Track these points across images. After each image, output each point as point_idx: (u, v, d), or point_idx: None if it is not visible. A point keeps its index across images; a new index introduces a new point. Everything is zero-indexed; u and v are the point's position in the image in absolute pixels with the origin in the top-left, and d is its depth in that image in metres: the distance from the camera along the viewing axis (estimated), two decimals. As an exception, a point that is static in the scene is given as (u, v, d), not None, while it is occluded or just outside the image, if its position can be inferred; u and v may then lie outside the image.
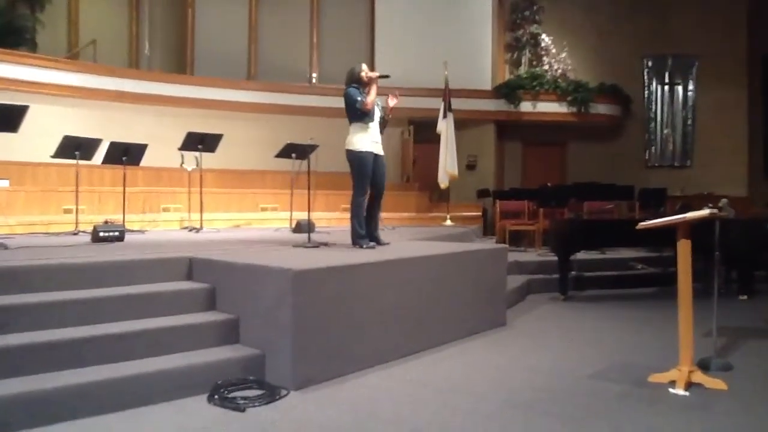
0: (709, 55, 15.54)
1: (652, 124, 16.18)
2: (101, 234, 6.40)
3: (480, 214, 13.15)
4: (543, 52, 15.85)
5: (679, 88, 16.08)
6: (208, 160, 9.07)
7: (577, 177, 14.45)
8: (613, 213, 10.49)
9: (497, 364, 4.68)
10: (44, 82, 10.73)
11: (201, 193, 8.80)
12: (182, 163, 9.02)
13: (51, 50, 11.80)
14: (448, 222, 11.36)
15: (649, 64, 16.11)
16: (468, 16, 15.27)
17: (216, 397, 3.68)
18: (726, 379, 4.06)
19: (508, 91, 15.00)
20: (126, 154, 8.20)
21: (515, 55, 15.88)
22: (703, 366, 4.32)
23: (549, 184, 12.72)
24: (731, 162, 15.37)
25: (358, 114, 5.67)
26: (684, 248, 4.10)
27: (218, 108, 12.53)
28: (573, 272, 8.06)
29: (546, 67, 15.71)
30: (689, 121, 16.02)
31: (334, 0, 14.79)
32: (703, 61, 15.75)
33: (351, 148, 5.70)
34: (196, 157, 8.86)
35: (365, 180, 5.73)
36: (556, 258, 7.69)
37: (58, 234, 7.49)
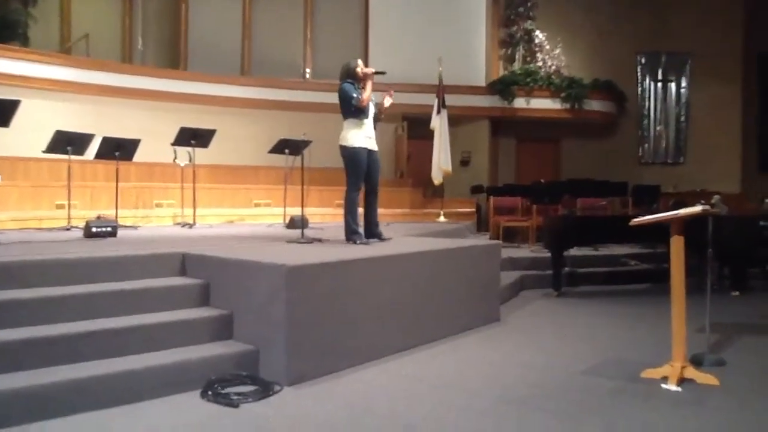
0: (704, 53, 15.56)
1: (646, 121, 16.22)
2: (94, 230, 6.37)
3: (474, 210, 13.14)
4: (537, 49, 15.82)
5: (672, 85, 16.12)
6: (201, 155, 9.03)
7: (571, 173, 14.47)
8: (606, 209, 10.52)
9: (491, 360, 4.69)
10: (36, 77, 10.65)
11: (194, 188, 8.76)
12: (175, 158, 8.98)
13: (43, 45, 11.73)
14: (442, 218, 11.36)
15: (643, 60, 16.14)
16: (462, 11, 15.24)
17: (209, 392, 3.67)
18: (719, 375, 4.08)
19: (502, 87, 14.98)
20: (119, 149, 8.16)
21: (509, 52, 15.85)
22: (696, 362, 4.34)
23: (542, 181, 12.72)
24: (725, 159, 15.43)
25: (352, 110, 5.64)
26: (677, 245, 4.12)
27: (211, 103, 12.47)
28: (566, 268, 8.08)
29: (540, 63, 15.68)
30: (682, 118, 16.07)
31: (329, -5, 14.76)
32: (697, 58, 15.78)
33: (345, 143, 5.68)
34: (189, 153, 8.82)
35: (359, 176, 5.71)
36: (549, 254, 7.70)
37: (50, 229, 7.44)
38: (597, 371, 4.38)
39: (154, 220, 9.26)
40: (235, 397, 3.62)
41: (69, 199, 7.92)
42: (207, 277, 4.57)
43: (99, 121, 10.42)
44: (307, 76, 14.40)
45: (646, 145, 16.21)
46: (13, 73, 10.34)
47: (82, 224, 6.81)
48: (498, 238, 9.53)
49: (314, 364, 4.10)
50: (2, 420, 3.14)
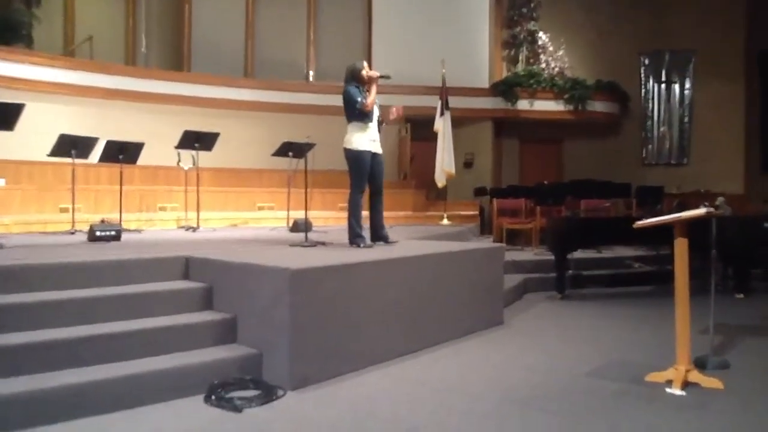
0: (706, 52, 15.51)
1: (649, 122, 16.18)
2: (98, 233, 6.39)
3: (477, 212, 13.13)
4: (540, 50, 15.82)
5: (676, 86, 16.07)
6: (205, 158, 9.04)
7: (574, 175, 14.42)
8: (610, 211, 10.50)
9: (494, 363, 4.69)
10: (40, 80, 10.68)
11: (198, 191, 8.78)
12: (179, 161, 9.00)
13: (47, 47, 11.75)
14: (445, 221, 11.35)
15: (646, 61, 16.11)
16: (465, 13, 15.24)
17: (213, 397, 3.68)
18: (723, 378, 4.07)
19: (506, 88, 14.97)
20: (122, 153, 8.18)
21: (512, 53, 15.83)
22: (700, 364, 4.33)
23: (546, 182, 12.71)
24: (728, 159, 15.36)
25: (357, 114, 5.63)
26: (681, 247, 4.10)
27: (215, 106, 12.49)
28: (570, 271, 8.06)
29: (543, 64, 15.67)
30: (686, 119, 16.02)
31: (331, -3, 14.78)
32: (700, 57, 15.73)
33: (349, 146, 5.67)
34: (193, 156, 8.84)
35: (363, 178, 5.70)
36: (553, 256, 7.69)
37: (54, 233, 7.47)
38: (601, 374, 4.37)
39: (158, 223, 9.28)
40: (239, 402, 3.62)
41: (73, 203, 7.95)
42: (210, 281, 4.57)
43: (103, 124, 10.44)
44: (311, 77, 14.42)
45: (650, 146, 16.18)
46: (17, 76, 10.37)
47: (86, 228, 6.84)
48: (501, 241, 9.52)
49: (318, 367, 4.10)
50: (2, 425, 3.14)
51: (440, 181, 11.48)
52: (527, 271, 8.26)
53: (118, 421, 3.38)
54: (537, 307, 7.05)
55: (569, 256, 7.80)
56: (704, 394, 3.88)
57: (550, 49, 15.79)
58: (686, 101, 16.03)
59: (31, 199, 9.04)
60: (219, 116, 12.11)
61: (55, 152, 7.76)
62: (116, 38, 13.28)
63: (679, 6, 15.58)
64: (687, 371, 4.01)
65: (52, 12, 12.34)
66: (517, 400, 3.82)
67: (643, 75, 16.16)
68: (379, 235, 5.91)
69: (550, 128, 15.65)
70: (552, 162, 16.16)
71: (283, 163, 8.85)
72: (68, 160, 7.81)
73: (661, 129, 16.11)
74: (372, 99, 5.64)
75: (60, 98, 10.96)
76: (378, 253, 5.23)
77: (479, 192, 13.64)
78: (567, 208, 10.35)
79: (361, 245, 5.62)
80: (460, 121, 13.46)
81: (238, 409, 3.55)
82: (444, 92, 11.54)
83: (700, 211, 4.15)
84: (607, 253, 9.11)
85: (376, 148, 5.78)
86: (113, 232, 6.49)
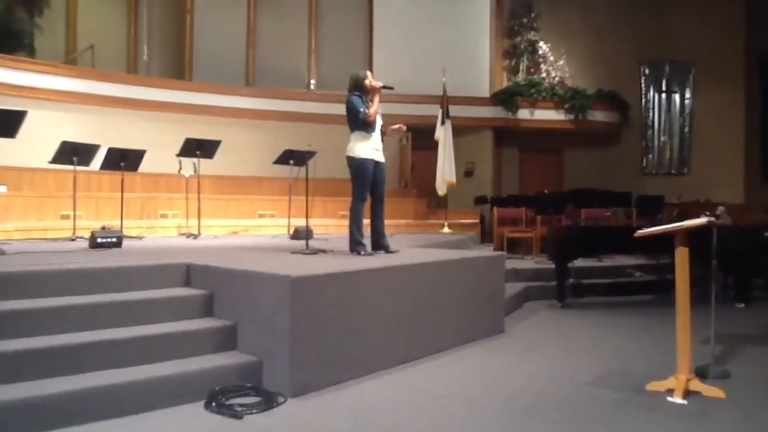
0: (706, 58, 15.50)
1: (650, 131, 16.20)
2: (99, 240, 6.39)
3: (478, 221, 13.13)
4: (541, 59, 15.87)
5: (676, 96, 16.10)
6: (206, 166, 9.05)
7: (575, 184, 14.44)
8: (610, 220, 10.50)
9: (495, 371, 4.68)
10: (42, 88, 10.72)
11: (199, 199, 8.78)
12: (180, 169, 9.01)
13: (49, 55, 11.79)
14: (446, 229, 11.34)
15: (647, 71, 16.15)
16: (466, 22, 15.30)
17: (213, 404, 3.67)
18: (724, 387, 4.06)
19: (506, 98, 15.02)
20: (124, 160, 8.19)
21: (513, 62, 15.89)
22: (701, 373, 4.32)
23: (546, 191, 12.72)
24: (728, 169, 15.35)
25: (360, 123, 5.63)
26: (682, 256, 4.11)
27: (216, 114, 12.52)
28: (570, 279, 8.06)
29: (544, 74, 15.73)
30: (686, 129, 16.05)
31: (333, 6, 14.82)
32: (700, 65, 15.75)
33: (352, 154, 5.67)
34: (194, 163, 8.84)
35: (365, 187, 5.71)
36: (553, 265, 7.69)
37: (55, 240, 7.47)
38: (601, 382, 4.37)
39: (159, 230, 9.27)
40: (239, 409, 3.61)
41: (74, 210, 7.95)
42: (211, 288, 4.57)
43: (104, 132, 10.46)
44: (312, 86, 14.46)
45: (650, 156, 16.19)
46: (19, 84, 10.41)
47: (87, 234, 6.84)
48: (502, 249, 9.52)
49: (318, 375, 4.09)
50: (6, 430, 3.14)
51: (441, 189, 11.49)
52: (528, 279, 8.26)
53: (117, 428, 3.37)
54: (538, 316, 7.04)
55: (570, 265, 7.81)
56: (705, 403, 3.88)
57: (551, 58, 15.85)
58: (686, 111, 16.06)
59: (33, 205, 9.04)
60: (220, 124, 12.13)
61: (56, 159, 7.77)
62: (118, 47, 13.34)
63: (679, 12, 15.59)
64: (688, 380, 4.01)
65: (54, 21, 12.39)
66: (518, 408, 3.81)
67: (643, 84, 16.20)
68: (379, 244, 5.91)
69: (551, 137, 15.67)
70: (552, 171, 16.18)
71: (284, 171, 8.85)
72: (70, 167, 7.81)
73: (662, 138, 16.14)
74: (375, 109, 5.65)
75: (62, 106, 11.00)
76: (379, 261, 5.23)
77: (480, 201, 13.65)
78: (567, 217, 10.36)
79: (362, 253, 5.62)
80: (460, 130, 13.48)
81: (238, 416, 3.55)
82: (445, 101, 11.57)
83: (701, 220, 4.16)
84: (608, 262, 9.11)
85: (379, 156, 5.79)
86: (114, 239, 6.49)
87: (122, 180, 8.31)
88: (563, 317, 6.99)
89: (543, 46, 15.86)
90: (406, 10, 14.92)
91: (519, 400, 3.95)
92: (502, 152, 16.18)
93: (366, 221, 5.84)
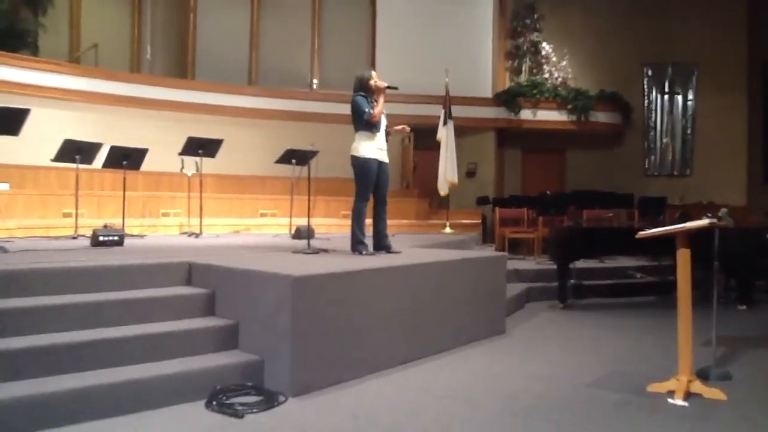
0: (709, 60, 15.49)
1: (652, 133, 16.19)
2: (101, 238, 6.40)
3: (479, 221, 13.14)
4: (543, 60, 15.88)
5: (679, 98, 16.09)
6: (208, 165, 9.07)
7: (577, 185, 14.44)
8: (612, 221, 10.49)
9: (496, 372, 4.68)
10: (46, 86, 10.74)
11: (201, 198, 8.80)
12: (182, 168, 9.02)
13: (53, 54, 11.82)
14: (448, 229, 11.35)
15: (649, 73, 16.14)
16: (469, 23, 15.31)
17: (214, 403, 3.67)
18: (725, 389, 4.05)
19: (509, 98, 15.03)
20: (126, 159, 8.20)
21: (516, 63, 15.91)
22: (703, 375, 4.32)
23: (548, 192, 12.72)
24: (730, 170, 15.34)
25: (364, 124, 5.64)
26: (683, 257, 4.11)
27: (219, 113, 12.53)
28: (572, 280, 8.05)
29: (546, 75, 15.73)
30: (689, 130, 16.03)
31: (335, 6, 14.84)
32: (703, 67, 15.72)
33: (356, 154, 5.67)
34: (197, 162, 8.86)
35: (368, 186, 5.71)
36: (555, 266, 7.69)
37: (57, 238, 7.47)
38: (602, 384, 4.36)
39: (161, 229, 9.29)
40: (240, 408, 3.62)
41: (76, 208, 7.96)
42: (213, 287, 4.57)
43: (107, 130, 10.49)
44: (314, 86, 14.47)
45: (653, 157, 16.18)
46: (23, 81, 10.43)
47: (89, 233, 6.84)
48: (503, 250, 9.52)
49: (319, 374, 4.09)
50: (4, 429, 3.14)
51: (443, 189, 11.50)
52: (529, 280, 8.26)
53: (119, 426, 3.38)
54: (539, 316, 7.04)
55: (571, 266, 7.80)
56: (707, 405, 3.87)
57: (553, 59, 15.85)
58: (689, 112, 16.04)
59: (35, 203, 9.06)
60: (223, 123, 12.15)
61: (59, 158, 7.78)
62: (121, 46, 13.37)
63: (682, 15, 15.58)
64: (689, 382, 4.00)
65: (58, 20, 12.43)
66: (519, 409, 3.81)
67: (646, 86, 16.18)
68: (382, 244, 5.90)
69: (553, 138, 15.67)
70: (554, 172, 16.18)
71: (286, 170, 8.86)
72: (72, 165, 7.82)
73: (664, 140, 16.12)
74: (379, 109, 5.65)
75: (65, 104, 11.02)
76: (380, 260, 5.23)
77: (482, 201, 13.66)
78: (569, 218, 10.35)
79: (364, 252, 5.62)
80: (463, 131, 13.48)
81: (239, 415, 3.55)
82: (447, 101, 11.57)
83: (703, 222, 4.16)
84: (610, 263, 9.11)
85: (383, 156, 5.79)
86: (116, 237, 6.50)
87: (124, 178, 8.32)
88: (565, 318, 6.99)
89: (546, 47, 15.86)
90: (409, 10, 14.94)
91: (520, 401, 3.95)
92: (505, 153, 16.19)
93: (368, 221, 5.85)
